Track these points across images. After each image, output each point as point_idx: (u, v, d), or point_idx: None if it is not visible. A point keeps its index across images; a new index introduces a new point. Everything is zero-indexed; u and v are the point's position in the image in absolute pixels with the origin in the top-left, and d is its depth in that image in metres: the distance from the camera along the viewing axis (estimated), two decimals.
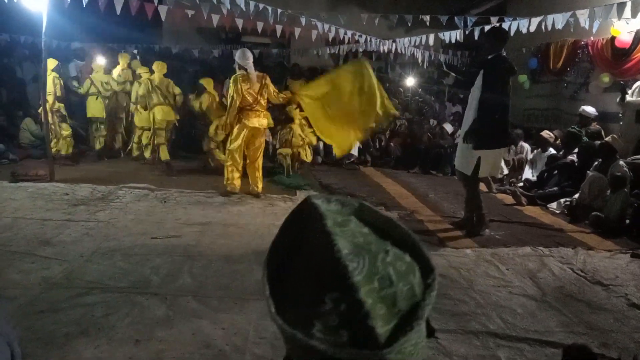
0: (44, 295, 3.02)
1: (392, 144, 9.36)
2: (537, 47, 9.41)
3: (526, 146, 7.83)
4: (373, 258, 0.56)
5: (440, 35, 7.68)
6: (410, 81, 11.65)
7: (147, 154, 7.56)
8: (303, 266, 0.59)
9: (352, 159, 8.95)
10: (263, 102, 5.84)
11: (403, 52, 10.12)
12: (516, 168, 7.71)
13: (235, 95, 5.64)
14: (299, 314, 0.56)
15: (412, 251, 0.61)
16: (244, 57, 5.76)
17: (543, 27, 6.31)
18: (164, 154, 7.25)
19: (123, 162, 7.96)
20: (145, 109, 7.29)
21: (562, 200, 6.05)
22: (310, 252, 0.59)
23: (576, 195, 5.80)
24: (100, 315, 2.79)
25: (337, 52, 10.96)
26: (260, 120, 5.87)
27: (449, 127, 9.41)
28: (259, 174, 6.03)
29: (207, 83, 7.47)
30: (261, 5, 6.50)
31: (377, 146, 9.53)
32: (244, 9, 6.39)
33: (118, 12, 6.24)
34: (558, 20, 6.05)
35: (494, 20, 6.88)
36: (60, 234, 4.14)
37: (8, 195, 5.25)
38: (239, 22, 7.93)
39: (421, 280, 0.59)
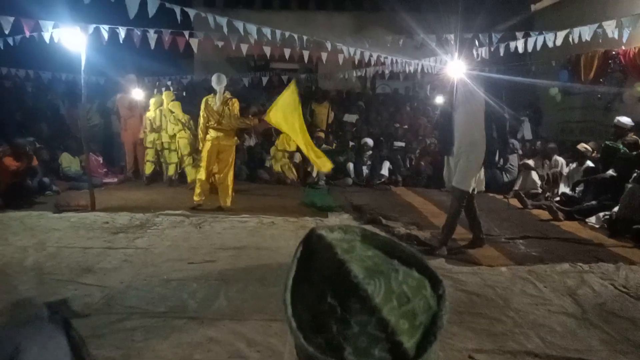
0: (87, 321, 3.13)
1: (422, 162, 9.32)
2: (567, 59, 9.29)
3: (561, 160, 7.68)
4: (386, 278, 0.60)
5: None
6: (439, 99, 11.63)
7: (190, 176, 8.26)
8: (319, 294, 0.63)
9: (382, 179, 8.95)
10: (225, 122, 6.33)
11: (430, 71, 10.15)
12: (551, 182, 7.55)
13: (202, 114, 6.38)
14: (327, 340, 0.60)
15: (418, 267, 0.65)
16: (217, 82, 6.35)
17: (571, 40, 6.25)
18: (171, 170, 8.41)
19: (162, 189, 8.21)
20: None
21: (601, 214, 5.89)
22: (325, 280, 0.63)
23: (616, 209, 5.63)
24: (140, 339, 2.87)
25: (363, 74, 11.09)
26: (223, 137, 6.39)
27: None
28: (229, 190, 6.52)
29: None
30: (287, 33, 6.68)
31: (408, 165, 9.51)
32: (270, 38, 6.57)
33: (152, 46, 6.53)
34: (585, 32, 5.99)
35: (519, 35, 6.86)
36: (101, 262, 4.29)
37: (52, 226, 5.48)
38: (267, 50, 8.16)
39: (432, 292, 0.63)
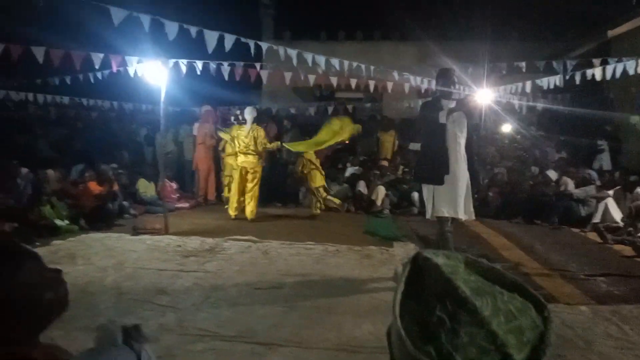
0: (161, 341, 3.25)
1: (490, 193, 9.03)
2: None
3: None
4: (492, 297, 0.63)
5: (538, 81, 7.46)
6: (506, 127, 11.32)
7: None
8: (428, 308, 0.66)
9: None
10: (252, 147, 7.41)
11: (499, 99, 9.93)
12: (633, 216, 7.06)
13: (230, 141, 7.55)
14: (436, 349, 0.62)
15: (521, 292, 0.67)
16: (249, 113, 7.47)
17: None
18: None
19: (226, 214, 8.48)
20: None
21: None
22: (433, 295, 0.66)
23: None
24: None
25: None
26: (250, 160, 7.48)
27: (552, 174, 8.92)
28: (252, 204, 7.51)
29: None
30: (355, 64, 6.81)
31: (475, 195, 9.24)
32: (338, 69, 6.72)
33: (226, 78, 6.88)
34: None
35: (596, 62, 6.58)
36: (173, 284, 4.46)
37: (130, 247, 5.79)
38: (334, 80, 8.33)
39: (537, 314, 0.65)
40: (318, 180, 8.23)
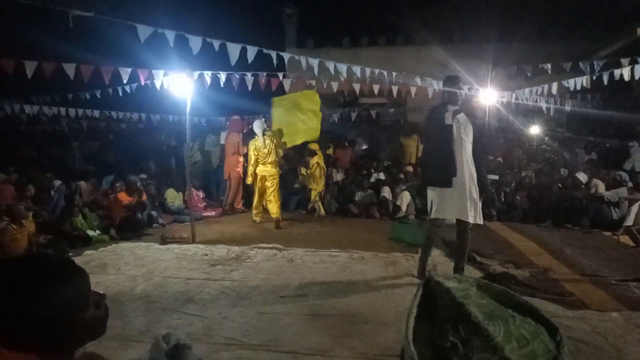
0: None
1: (518, 196, 8.88)
2: None
3: None
4: (504, 322, 0.63)
5: (564, 83, 7.32)
6: (534, 130, 11.13)
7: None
8: (440, 333, 0.67)
9: None
10: (271, 157, 8.01)
11: (525, 101, 9.78)
12: None
13: (252, 154, 8.00)
14: None
15: (533, 315, 0.67)
16: (259, 126, 8.00)
17: None
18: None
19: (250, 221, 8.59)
20: None
21: None
22: (446, 320, 0.67)
23: None
24: None
25: None
26: (269, 169, 8.04)
27: (582, 177, 8.72)
28: (275, 205, 8.02)
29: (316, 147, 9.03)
30: (377, 71, 6.82)
31: (503, 199, 9.11)
32: (360, 76, 6.74)
33: (250, 88, 6.98)
34: None
35: (624, 62, 6.42)
36: (201, 292, 4.54)
37: (158, 256, 5.92)
38: (356, 86, 8.36)
39: (550, 338, 0.65)
40: (319, 185, 8.85)
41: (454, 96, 4.68)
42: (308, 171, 8.99)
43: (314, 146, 9.09)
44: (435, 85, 7.89)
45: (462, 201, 4.56)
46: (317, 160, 8.97)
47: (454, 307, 0.64)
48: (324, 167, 9.15)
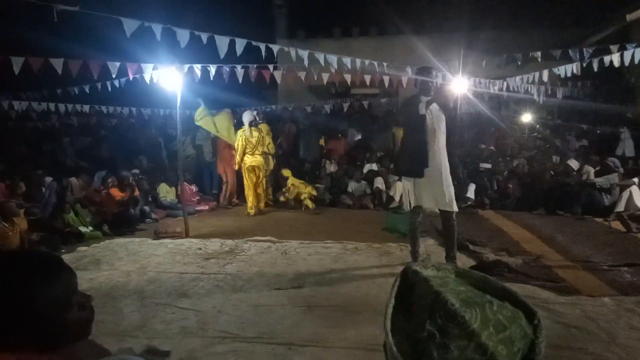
0: (183, 344, 3.32)
1: (510, 185, 8.92)
2: None
3: None
4: (482, 308, 0.64)
5: (555, 70, 7.33)
6: (526, 117, 11.16)
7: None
8: (418, 323, 0.67)
9: (469, 202, 8.67)
10: (259, 148, 8.36)
11: (516, 89, 9.79)
12: None
13: (241, 144, 8.26)
14: None
15: (511, 300, 0.68)
16: (248, 118, 8.33)
17: None
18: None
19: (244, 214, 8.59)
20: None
21: None
22: (423, 309, 0.67)
23: None
24: None
25: None
26: (257, 159, 8.37)
27: (574, 163, 8.77)
28: (262, 195, 8.56)
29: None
30: (367, 61, 6.79)
31: (495, 188, 9.15)
32: (350, 67, 6.71)
33: (240, 81, 6.94)
34: None
35: (614, 48, 6.43)
36: (195, 287, 4.54)
37: (152, 251, 5.90)
38: (348, 77, 8.33)
39: (527, 322, 0.65)
40: (307, 190, 8.88)
41: (427, 86, 4.76)
42: (286, 194, 9.08)
43: (287, 173, 9.31)
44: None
45: (437, 191, 4.66)
46: (290, 182, 9.10)
47: (431, 296, 0.64)
48: (297, 183, 9.14)
